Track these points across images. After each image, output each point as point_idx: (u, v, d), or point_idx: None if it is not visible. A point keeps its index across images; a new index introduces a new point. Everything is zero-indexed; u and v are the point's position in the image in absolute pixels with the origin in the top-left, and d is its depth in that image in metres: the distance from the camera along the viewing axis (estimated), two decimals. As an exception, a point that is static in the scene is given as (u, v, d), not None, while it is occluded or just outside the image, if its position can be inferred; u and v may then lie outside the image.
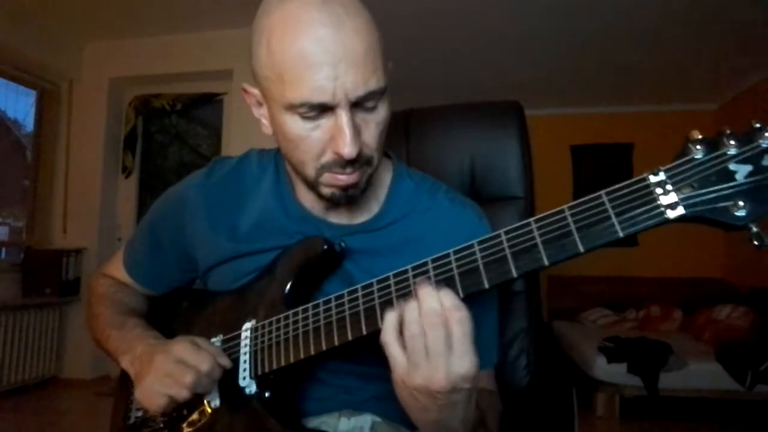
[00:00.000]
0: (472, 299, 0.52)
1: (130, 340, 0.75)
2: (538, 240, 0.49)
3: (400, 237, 0.73)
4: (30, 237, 3.56)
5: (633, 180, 0.47)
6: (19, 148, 3.74)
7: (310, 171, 0.65)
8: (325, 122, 0.60)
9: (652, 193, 0.46)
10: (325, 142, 0.61)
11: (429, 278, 0.54)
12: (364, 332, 0.58)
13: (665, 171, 0.46)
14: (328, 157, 0.62)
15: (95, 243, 3.57)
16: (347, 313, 0.60)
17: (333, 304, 0.62)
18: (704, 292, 4.02)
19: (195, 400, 0.70)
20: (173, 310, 0.85)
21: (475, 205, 0.79)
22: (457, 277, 0.53)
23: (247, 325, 0.70)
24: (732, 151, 0.44)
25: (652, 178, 0.46)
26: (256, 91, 0.68)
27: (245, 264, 0.75)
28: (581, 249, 0.48)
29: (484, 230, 0.73)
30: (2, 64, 3.30)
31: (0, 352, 3.04)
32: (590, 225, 0.47)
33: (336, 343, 0.60)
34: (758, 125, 0.44)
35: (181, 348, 0.66)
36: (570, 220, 0.48)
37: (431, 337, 0.49)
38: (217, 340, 0.73)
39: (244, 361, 0.69)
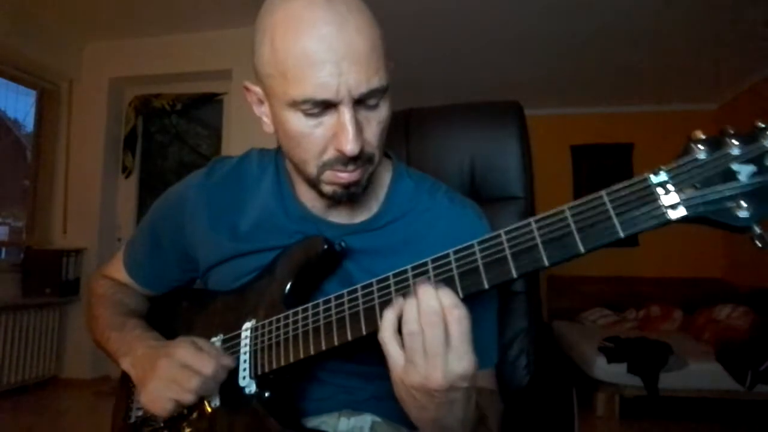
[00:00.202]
0: (471, 299, 0.52)
1: (130, 341, 0.75)
2: (539, 240, 0.49)
3: (399, 236, 0.73)
4: (30, 237, 3.56)
5: (634, 180, 0.47)
6: (19, 148, 3.74)
7: (312, 169, 0.65)
8: (328, 119, 0.61)
9: (653, 193, 0.45)
10: (328, 139, 0.61)
11: (429, 278, 0.54)
12: (364, 332, 0.58)
13: (667, 171, 0.46)
14: (330, 154, 0.63)
15: (95, 243, 3.57)
16: (347, 313, 0.60)
17: (333, 304, 0.62)
18: (704, 292, 4.03)
19: (195, 400, 0.70)
20: (173, 310, 0.84)
21: (475, 204, 0.79)
22: (456, 277, 0.53)
23: (247, 324, 0.70)
24: (735, 152, 0.44)
25: (654, 178, 0.46)
26: (257, 89, 0.68)
27: (245, 263, 0.75)
28: (582, 249, 0.47)
29: (483, 230, 0.73)
30: (2, 64, 3.30)
31: (0, 352, 3.04)
32: (591, 225, 0.47)
33: (336, 343, 0.60)
34: (762, 125, 0.43)
35: (184, 352, 0.66)
36: (570, 220, 0.48)
37: (429, 335, 0.49)
38: (217, 339, 0.73)
39: (244, 361, 0.68)
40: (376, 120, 0.63)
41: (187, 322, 0.80)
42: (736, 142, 0.44)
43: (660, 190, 0.45)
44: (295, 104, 0.60)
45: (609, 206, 0.47)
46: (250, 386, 0.67)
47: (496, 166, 1.05)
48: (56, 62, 3.54)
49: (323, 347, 0.61)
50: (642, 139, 4.52)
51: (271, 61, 0.61)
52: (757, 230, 0.43)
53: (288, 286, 0.69)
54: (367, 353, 0.68)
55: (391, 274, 0.57)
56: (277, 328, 0.66)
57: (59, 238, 3.61)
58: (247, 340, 0.69)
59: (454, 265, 0.53)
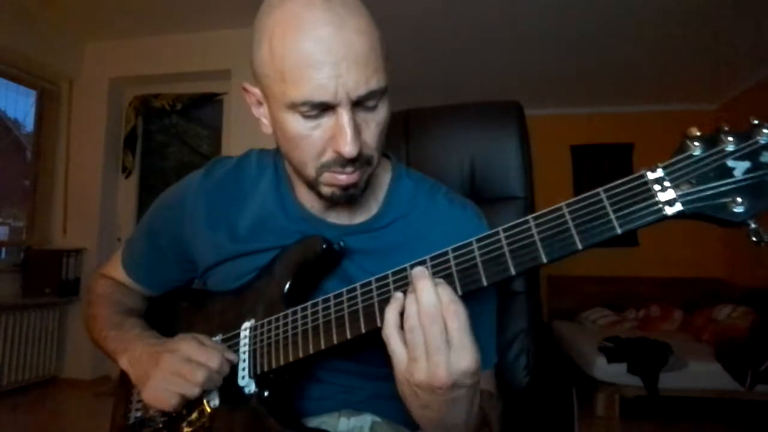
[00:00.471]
0: (469, 299, 0.52)
1: (129, 339, 0.75)
2: (537, 237, 0.49)
3: (399, 237, 0.73)
4: (30, 237, 3.56)
5: (631, 177, 0.47)
6: (19, 148, 3.74)
7: (311, 170, 0.65)
8: (326, 121, 0.60)
9: (650, 189, 0.46)
10: (326, 141, 0.61)
11: (426, 268, 0.54)
12: (363, 330, 0.58)
13: (663, 168, 0.46)
14: (328, 156, 0.62)
15: (95, 243, 3.57)
16: (346, 311, 0.60)
17: (332, 302, 0.62)
18: (704, 292, 4.03)
19: (195, 400, 0.70)
20: (172, 310, 0.84)
21: (475, 205, 0.79)
22: (455, 275, 0.53)
23: (246, 324, 0.70)
24: (730, 148, 0.44)
25: (650, 175, 0.46)
26: (256, 90, 0.68)
27: (244, 264, 0.75)
28: (579, 246, 0.47)
29: (483, 230, 0.72)
30: (2, 64, 3.30)
31: (0, 352, 3.04)
32: (588, 222, 0.47)
33: (335, 342, 0.60)
34: (756, 122, 0.44)
35: (188, 346, 0.66)
36: (568, 217, 0.48)
37: (429, 331, 0.49)
38: (216, 339, 0.73)
39: (243, 360, 0.69)
40: (374, 122, 0.63)
41: (186, 322, 0.80)
42: (731, 139, 0.44)
43: (656, 187, 0.46)
44: (293, 106, 0.60)
45: (606, 203, 0.47)
46: (249, 386, 0.67)
47: (496, 166, 1.05)
48: (56, 62, 3.53)
49: (322, 346, 0.61)
50: (642, 139, 4.52)
51: (269, 62, 0.60)
52: (753, 225, 0.43)
53: (287, 286, 0.69)
54: (367, 352, 0.68)
55: (390, 272, 0.57)
56: (276, 328, 0.66)
57: (59, 238, 3.61)
58: (246, 340, 0.69)
59: (452, 262, 0.54)
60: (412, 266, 0.56)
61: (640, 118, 4.61)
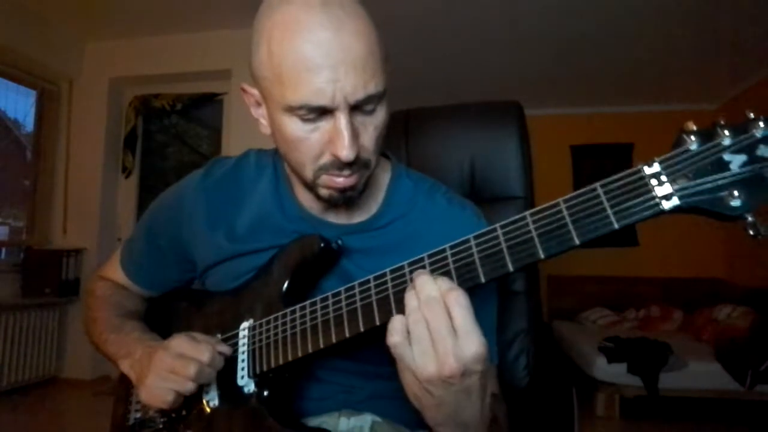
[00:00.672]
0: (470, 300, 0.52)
1: (129, 343, 0.75)
2: (534, 233, 0.49)
3: (398, 237, 0.73)
4: (30, 237, 3.56)
5: (628, 172, 0.47)
6: (19, 148, 3.74)
7: (308, 172, 0.65)
8: (324, 124, 0.60)
9: (647, 184, 0.46)
10: (324, 144, 0.61)
11: (424, 265, 0.54)
12: (362, 329, 0.58)
13: (660, 162, 0.46)
14: (326, 159, 0.62)
15: (95, 243, 3.57)
16: (344, 310, 0.60)
17: (330, 301, 0.62)
18: (704, 292, 4.03)
19: (194, 400, 0.70)
20: (171, 311, 0.84)
21: (474, 205, 0.79)
22: (453, 272, 0.53)
23: (245, 324, 0.70)
24: (726, 142, 0.44)
25: (647, 170, 0.46)
26: (255, 92, 0.68)
27: (243, 263, 0.75)
28: (576, 241, 0.48)
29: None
30: (2, 64, 3.30)
31: (0, 352, 3.04)
32: (585, 217, 0.47)
33: (334, 341, 0.60)
34: (752, 115, 0.44)
35: (179, 342, 0.66)
36: (565, 212, 0.48)
37: (433, 321, 0.49)
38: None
39: (242, 360, 0.68)
40: (372, 125, 0.63)
41: (185, 322, 0.79)
42: (728, 133, 0.44)
43: (653, 181, 0.46)
44: (291, 109, 0.60)
45: (603, 198, 0.47)
46: (248, 385, 0.67)
47: (496, 166, 1.05)
48: (56, 62, 3.53)
49: (321, 345, 0.61)
50: (642, 139, 4.51)
51: (267, 64, 0.60)
52: (750, 219, 0.43)
53: (285, 285, 0.69)
54: (366, 351, 0.68)
55: (388, 270, 0.57)
56: (275, 327, 0.66)
57: (59, 238, 3.61)
58: (245, 339, 0.69)
59: (450, 259, 0.54)
60: (410, 264, 0.56)
61: (640, 118, 4.60)
